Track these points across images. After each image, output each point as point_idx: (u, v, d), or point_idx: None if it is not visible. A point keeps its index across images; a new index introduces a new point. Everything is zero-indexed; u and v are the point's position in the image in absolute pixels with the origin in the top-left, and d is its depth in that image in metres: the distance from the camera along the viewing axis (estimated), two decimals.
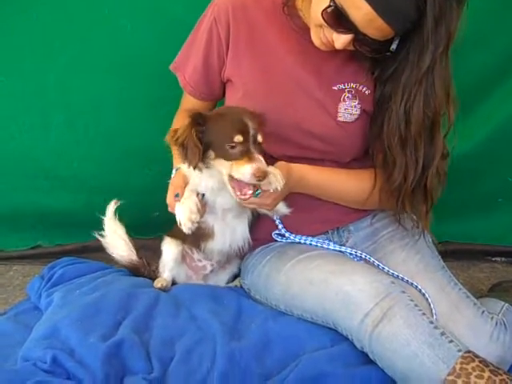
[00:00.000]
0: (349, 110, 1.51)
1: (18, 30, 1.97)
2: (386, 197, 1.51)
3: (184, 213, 1.43)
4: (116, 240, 1.75)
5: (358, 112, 1.51)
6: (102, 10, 1.95)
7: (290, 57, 1.51)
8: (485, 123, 2.08)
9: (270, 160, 1.44)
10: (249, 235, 1.61)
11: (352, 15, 1.28)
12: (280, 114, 1.50)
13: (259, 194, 1.36)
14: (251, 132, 1.34)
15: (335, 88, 1.51)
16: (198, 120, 1.37)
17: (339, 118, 1.51)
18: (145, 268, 1.76)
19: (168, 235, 1.70)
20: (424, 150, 1.42)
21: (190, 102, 1.68)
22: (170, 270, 1.69)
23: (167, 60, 1.93)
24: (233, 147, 1.34)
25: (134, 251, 1.75)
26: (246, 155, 1.33)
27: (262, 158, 1.34)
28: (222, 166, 1.37)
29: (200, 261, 1.71)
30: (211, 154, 1.38)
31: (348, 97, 1.50)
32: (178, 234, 1.64)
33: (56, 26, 1.96)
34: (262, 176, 1.31)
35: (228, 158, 1.35)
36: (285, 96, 1.51)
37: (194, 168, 1.38)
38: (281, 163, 1.46)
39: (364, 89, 1.51)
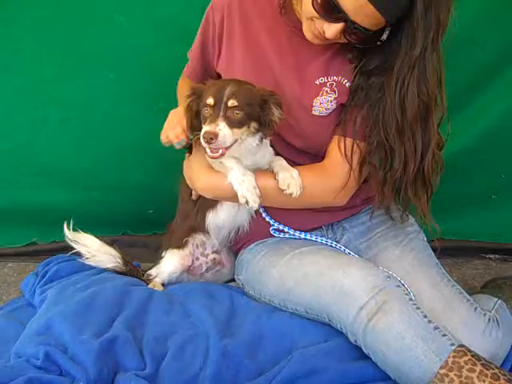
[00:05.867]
0: (323, 104, 1.50)
1: (13, 28, 1.96)
2: (383, 189, 1.50)
3: (251, 193, 1.44)
4: (100, 255, 1.74)
5: (334, 106, 1.51)
6: (98, 5, 1.95)
7: (274, 53, 1.52)
8: (477, 120, 2.09)
9: None
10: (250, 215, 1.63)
11: (342, 2, 1.28)
12: None
13: None
14: (225, 97, 1.36)
15: (317, 82, 1.50)
16: (195, 90, 1.45)
17: (313, 112, 1.51)
18: (132, 273, 1.76)
19: (172, 246, 1.71)
20: (420, 136, 1.43)
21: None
22: (163, 279, 1.71)
23: (163, 56, 1.93)
24: (206, 111, 1.38)
25: (121, 261, 1.74)
26: (209, 118, 1.37)
27: (224, 123, 1.35)
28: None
29: (198, 259, 1.72)
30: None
31: (326, 91, 1.50)
32: (182, 235, 1.68)
33: (52, 22, 1.96)
34: (207, 138, 1.33)
35: (204, 121, 1.39)
36: None
37: (191, 131, 1.46)
38: None
39: (345, 81, 1.50)
